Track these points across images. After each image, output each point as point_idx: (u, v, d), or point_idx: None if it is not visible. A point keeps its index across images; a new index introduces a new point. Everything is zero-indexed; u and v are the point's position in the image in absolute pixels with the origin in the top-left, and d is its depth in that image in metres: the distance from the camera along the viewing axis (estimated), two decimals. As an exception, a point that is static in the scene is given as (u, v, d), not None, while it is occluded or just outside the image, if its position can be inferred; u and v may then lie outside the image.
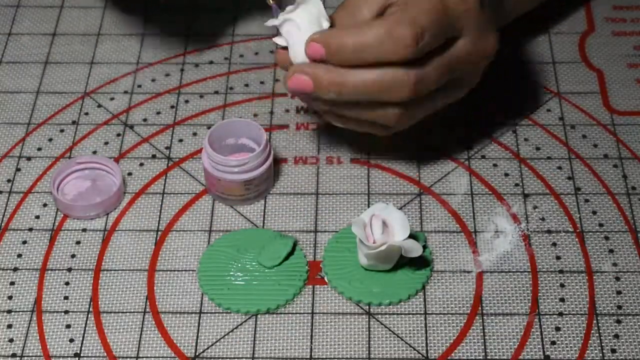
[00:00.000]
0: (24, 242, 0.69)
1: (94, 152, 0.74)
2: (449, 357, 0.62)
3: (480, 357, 0.62)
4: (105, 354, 0.63)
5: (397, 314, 0.64)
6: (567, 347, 0.63)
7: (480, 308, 0.64)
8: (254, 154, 0.69)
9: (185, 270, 0.67)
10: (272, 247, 0.66)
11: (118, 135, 0.75)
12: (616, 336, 0.63)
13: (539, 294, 0.65)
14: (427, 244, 0.68)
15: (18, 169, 0.73)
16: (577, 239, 0.68)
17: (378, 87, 0.63)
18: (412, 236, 0.64)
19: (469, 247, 0.68)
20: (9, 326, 0.64)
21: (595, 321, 0.64)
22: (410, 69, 0.63)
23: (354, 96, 0.64)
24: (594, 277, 0.66)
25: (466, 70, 0.67)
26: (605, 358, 0.62)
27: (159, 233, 0.69)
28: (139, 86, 0.78)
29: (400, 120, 0.66)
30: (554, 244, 0.68)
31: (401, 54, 0.62)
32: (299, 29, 0.65)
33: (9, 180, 0.72)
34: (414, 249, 0.63)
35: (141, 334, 0.64)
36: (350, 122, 0.68)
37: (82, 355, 0.63)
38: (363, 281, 0.65)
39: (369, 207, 0.69)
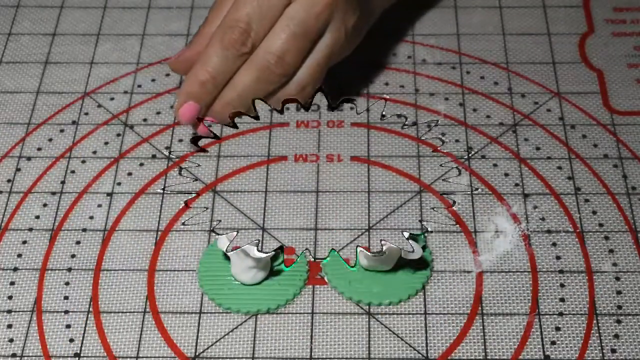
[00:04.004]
0: (24, 242, 0.69)
1: (94, 152, 0.74)
2: (449, 357, 0.62)
3: (480, 357, 0.62)
4: (105, 354, 0.63)
5: (397, 314, 0.64)
6: (567, 347, 0.63)
7: (480, 308, 0.64)
8: None
9: (185, 270, 0.67)
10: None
11: (118, 135, 0.75)
12: (616, 336, 0.63)
13: (539, 294, 0.65)
14: (427, 244, 0.68)
15: (18, 169, 0.73)
16: (577, 239, 0.68)
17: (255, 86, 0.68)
18: (412, 238, 0.64)
19: (469, 247, 0.68)
20: (9, 326, 0.64)
21: (595, 321, 0.64)
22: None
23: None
24: (594, 277, 0.66)
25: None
26: (605, 358, 0.62)
27: (159, 233, 0.69)
28: (139, 86, 0.78)
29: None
30: (554, 244, 0.68)
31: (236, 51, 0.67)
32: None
33: (9, 180, 0.72)
34: (414, 252, 0.63)
35: (141, 334, 0.64)
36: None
37: (82, 355, 0.63)
38: (363, 281, 0.65)
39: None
